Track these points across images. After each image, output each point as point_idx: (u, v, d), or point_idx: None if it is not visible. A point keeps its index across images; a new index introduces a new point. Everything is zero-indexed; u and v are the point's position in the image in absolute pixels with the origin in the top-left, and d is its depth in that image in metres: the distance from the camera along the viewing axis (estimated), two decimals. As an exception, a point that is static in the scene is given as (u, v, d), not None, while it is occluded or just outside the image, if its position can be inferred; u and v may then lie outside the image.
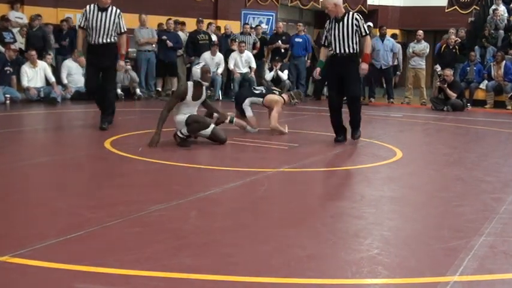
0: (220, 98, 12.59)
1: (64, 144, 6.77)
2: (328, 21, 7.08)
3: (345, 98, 7.16)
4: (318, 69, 7.25)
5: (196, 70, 6.45)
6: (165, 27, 12.76)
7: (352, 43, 6.89)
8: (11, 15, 12.18)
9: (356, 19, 6.87)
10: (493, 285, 2.85)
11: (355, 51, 6.94)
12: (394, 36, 14.59)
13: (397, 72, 14.49)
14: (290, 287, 2.71)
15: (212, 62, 12.44)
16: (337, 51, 6.95)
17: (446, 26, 14.55)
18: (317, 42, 14.32)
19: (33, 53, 11.00)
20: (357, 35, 6.91)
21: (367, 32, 7.00)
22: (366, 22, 7.48)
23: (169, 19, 12.99)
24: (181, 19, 13.66)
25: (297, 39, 13.58)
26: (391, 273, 2.91)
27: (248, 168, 5.46)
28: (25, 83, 10.75)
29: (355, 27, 6.85)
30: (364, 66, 7.03)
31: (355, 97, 7.13)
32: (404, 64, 14.45)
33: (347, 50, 6.89)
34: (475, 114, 11.53)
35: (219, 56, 12.67)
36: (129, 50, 12.95)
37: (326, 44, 7.16)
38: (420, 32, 13.22)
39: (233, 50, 12.78)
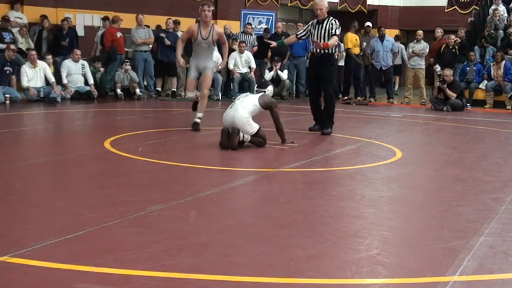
0: (220, 98, 12.56)
1: (64, 144, 6.77)
2: (312, 22, 7.74)
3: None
4: (274, 43, 8.28)
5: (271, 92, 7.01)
6: (165, 27, 12.76)
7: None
8: (11, 15, 12.18)
9: (332, 23, 7.51)
10: (493, 285, 2.86)
11: (330, 52, 7.61)
12: (397, 37, 14.59)
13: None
14: (290, 287, 2.71)
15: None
16: (315, 51, 7.68)
17: (446, 26, 14.55)
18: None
19: (33, 52, 11.00)
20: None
21: (337, 34, 7.56)
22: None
23: (169, 19, 12.97)
24: (181, 19, 13.64)
25: (296, 39, 13.56)
26: (391, 273, 2.92)
27: (248, 168, 5.46)
28: (25, 83, 10.75)
29: (331, 30, 7.50)
30: (320, 46, 7.41)
31: (329, 95, 7.84)
32: (403, 64, 14.46)
33: (323, 50, 7.53)
34: (475, 114, 11.52)
35: (215, 54, 12.63)
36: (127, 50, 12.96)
37: (299, 36, 7.97)
38: (420, 32, 13.21)
39: (233, 50, 12.76)
